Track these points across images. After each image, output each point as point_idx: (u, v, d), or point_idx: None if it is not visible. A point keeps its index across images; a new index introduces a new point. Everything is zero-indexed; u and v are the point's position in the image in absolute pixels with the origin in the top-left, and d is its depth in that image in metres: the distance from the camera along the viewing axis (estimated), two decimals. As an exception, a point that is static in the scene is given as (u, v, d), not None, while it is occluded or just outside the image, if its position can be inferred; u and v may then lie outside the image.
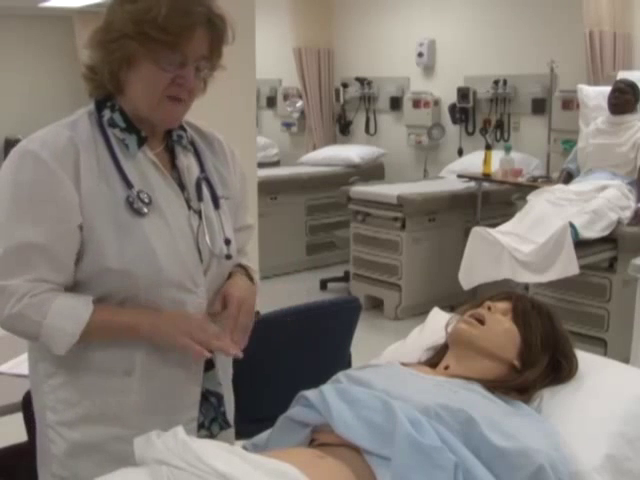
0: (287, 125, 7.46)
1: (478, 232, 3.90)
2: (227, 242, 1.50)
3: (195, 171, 1.52)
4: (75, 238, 1.36)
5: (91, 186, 1.37)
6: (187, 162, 1.51)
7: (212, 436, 1.54)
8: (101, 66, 1.39)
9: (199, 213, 1.48)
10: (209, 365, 1.52)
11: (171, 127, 1.48)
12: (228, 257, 1.50)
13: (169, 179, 1.46)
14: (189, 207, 1.47)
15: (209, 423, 1.54)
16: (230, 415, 1.60)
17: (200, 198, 1.49)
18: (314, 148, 6.98)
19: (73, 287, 1.41)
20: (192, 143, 1.54)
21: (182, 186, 1.49)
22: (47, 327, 1.35)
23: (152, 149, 1.46)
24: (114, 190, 1.39)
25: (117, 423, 1.43)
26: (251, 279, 1.58)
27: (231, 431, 1.60)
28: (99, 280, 1.39)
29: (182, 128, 1.52)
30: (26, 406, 1.67)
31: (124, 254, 1.37)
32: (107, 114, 1.43)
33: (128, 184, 1.39)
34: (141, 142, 1.44)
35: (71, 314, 1.36)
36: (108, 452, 1.43)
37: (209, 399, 1.53)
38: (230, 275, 1.55)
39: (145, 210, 1.39)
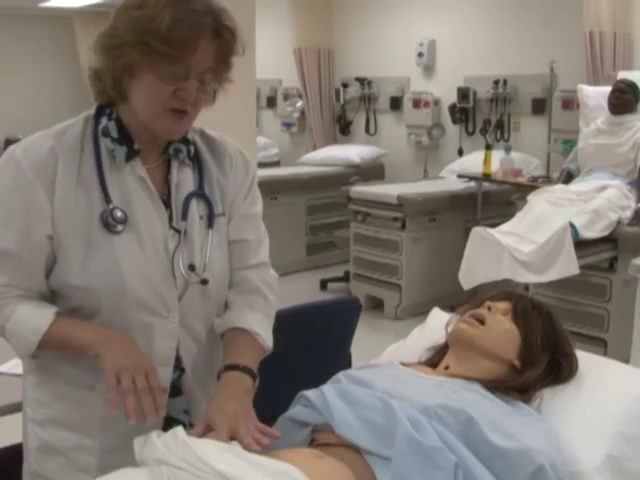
0: (287, 125, 7.46)
1: (478, 232, 3.90)
2: (191, 267, 1.39)
3: (188, 187, 1.43)
4: (44, 248, 1.34)
5: (65, 198, 1.33)
6: (178, 178, 1.42)
7: None
8: (104, 72, 1.34)
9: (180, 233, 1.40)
10: (176, 391, 1.45)
11: (173, 139, 1.41)
12: (204, 282, 1.41)
13: (155, 196, 1.39)
14: (171, 226, 1.40)
15: None
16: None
17: (185, 217, 1.41)
18: (314, 148, 6.97)
19: (51, 296, 1.40)
20: (195, 157, 1.46)
21: (169, 203, 1.41)
22: (8, 332, 1.36)
23: (148, 163, 1.40)
24: (91, 204, 1.34)
25: (80, 432, 1.42)
26: (248, 371, 1.41)
27: None
28: (64, 293, 1.37)
29: (185, 141, 1.44)
30: (26, 406, 1.67)
31: (87, 270, 1.33)
32: (103, 121, 1.38)
33: (107, 198, 1.34)
34: (131, 155, 1.37)
35: (30, 322, 1.34)
36: (70, 459, 1.43)
37: (172, 426, 1.36)
38: (219, 375, 1.41)
39: (119, 228, 1.34)
